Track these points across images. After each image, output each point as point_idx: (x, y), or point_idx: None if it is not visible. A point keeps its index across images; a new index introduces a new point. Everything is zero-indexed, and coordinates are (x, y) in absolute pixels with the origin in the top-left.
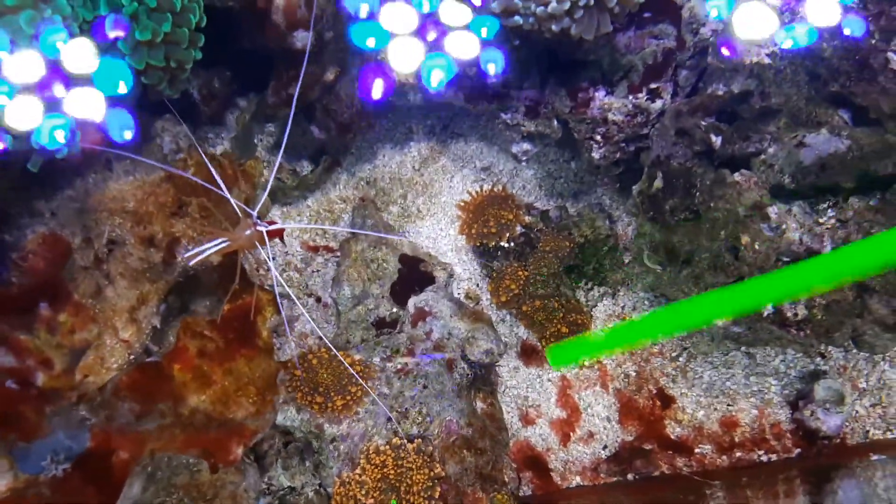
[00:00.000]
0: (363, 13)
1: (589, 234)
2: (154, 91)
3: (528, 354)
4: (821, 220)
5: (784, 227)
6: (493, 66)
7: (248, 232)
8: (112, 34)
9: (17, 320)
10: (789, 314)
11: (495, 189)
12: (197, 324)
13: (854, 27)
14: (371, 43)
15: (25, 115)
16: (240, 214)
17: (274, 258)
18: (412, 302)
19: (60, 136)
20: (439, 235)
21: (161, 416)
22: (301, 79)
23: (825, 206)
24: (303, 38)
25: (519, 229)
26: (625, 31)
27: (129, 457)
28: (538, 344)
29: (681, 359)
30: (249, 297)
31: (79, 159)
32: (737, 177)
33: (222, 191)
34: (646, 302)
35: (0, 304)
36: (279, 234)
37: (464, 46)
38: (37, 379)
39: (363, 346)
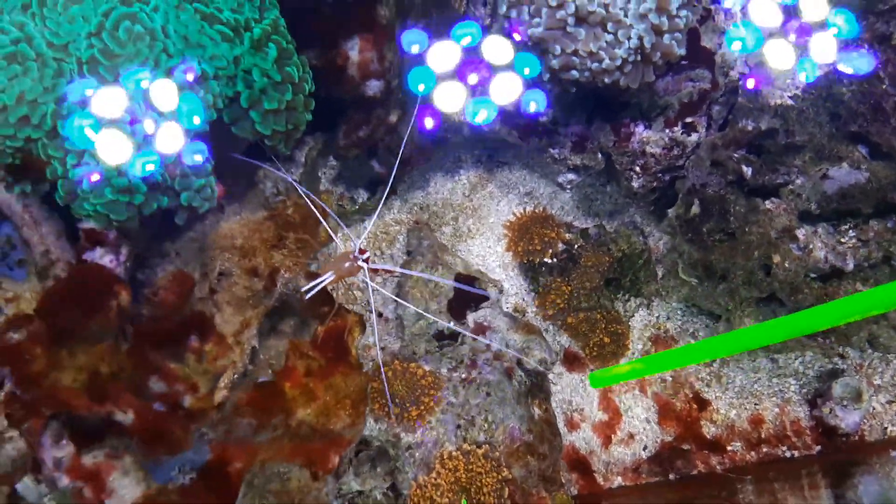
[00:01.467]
0: (414, 51)
1: (626, 249)
2: (272, 149)
3: (571, 361)
4: (843, 240)
5: (811, 246)
6: (535, 105)
7: (347, 265)
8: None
9: (168, 351)
10: None
11: (537, 210)
12: (303, 345)
13: (861, 64)
14: (421, 88)
15: (116, 150)
16: (340, 247)
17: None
18: (472, 317)
19: (151, 168)
20: (488, 253)
21: (273, 430)
22: (371, 123)
23: (847, 227)
24: (374, 87)
25: (561, 246)
26: (664, 76)
27: (242, 466)
28: (581, 352)
29: (714, 364)
30: (340, 319)
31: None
32: (768, 204)
33: (328, 227)
34: (678, 312)
35: (156, 337)
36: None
37: (507, 88)
38: (184, 401)
39: (429, 357)
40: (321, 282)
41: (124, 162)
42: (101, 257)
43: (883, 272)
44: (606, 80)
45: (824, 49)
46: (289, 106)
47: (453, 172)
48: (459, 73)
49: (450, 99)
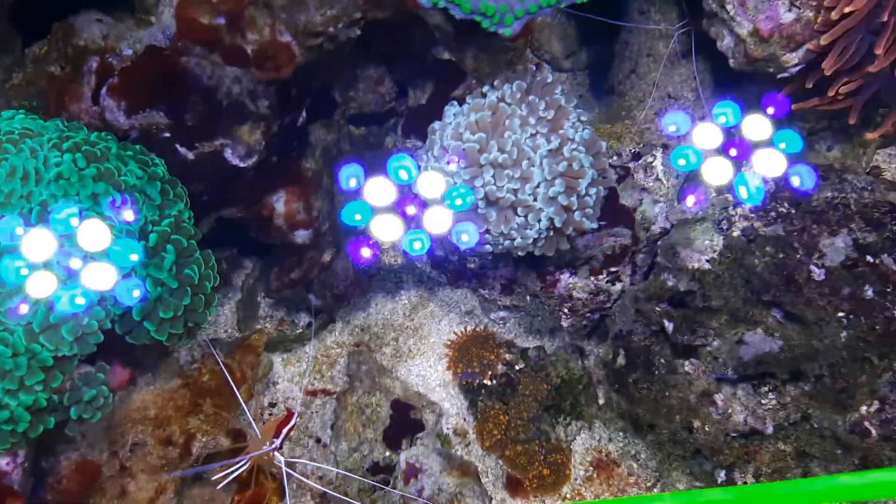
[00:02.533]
0: (352, 186)
1: (564, 375)
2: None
3: (514, 486)
4: (763, 402)
5: (730, 410)
6: (467, 237)
7: (266, 448)
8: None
9: None
10: (739, 482)
11: (477, 329)
12: None
13: (807, 180)
14: (357, 218)
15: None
16: (255, 430)
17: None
18: (403, 457)
19: (80, 301)
20: (429, 373)
21: None
22: (303, 265)
23: (766, 389)
24: (302, 236)
25: (501, 368)
26: (583, 235)
27: None
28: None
29: (655, 489)
30: (258, 487)
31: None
32: (687, 367)
33: (243, 409)
34: (620, 434)
35: None
36: (291, 429)
37: (439, 221)
38: None
39: (360, 503)
40: (234, 470)
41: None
42: None
43: (804, 429)
44: (520, 253)
45: (771, 163)
46: (188, 308)
47: (394, 293)
48: (396, 205)
49: (387, 230)
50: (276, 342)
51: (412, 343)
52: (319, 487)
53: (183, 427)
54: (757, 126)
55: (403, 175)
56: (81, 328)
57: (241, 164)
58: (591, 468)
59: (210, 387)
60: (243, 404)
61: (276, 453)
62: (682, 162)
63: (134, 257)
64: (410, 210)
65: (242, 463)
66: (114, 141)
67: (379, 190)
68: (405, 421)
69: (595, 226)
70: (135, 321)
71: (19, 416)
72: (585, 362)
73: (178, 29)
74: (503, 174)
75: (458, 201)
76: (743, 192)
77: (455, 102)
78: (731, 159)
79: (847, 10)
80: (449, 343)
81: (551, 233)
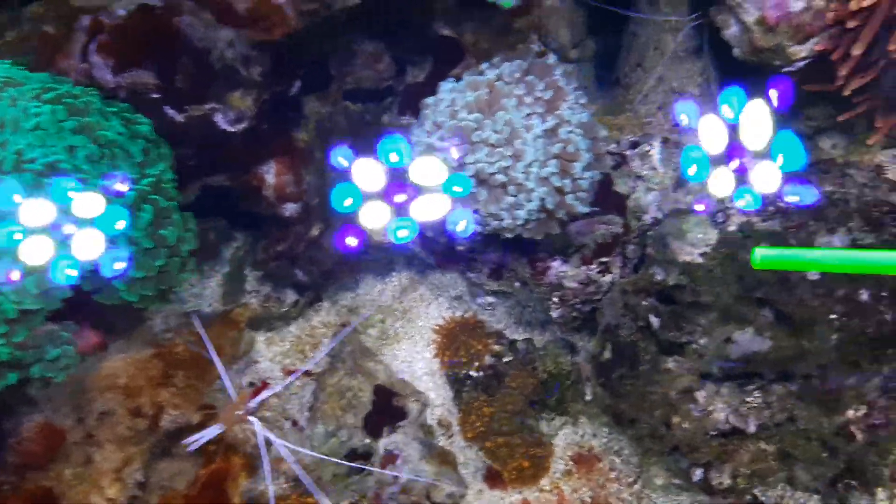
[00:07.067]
0: (343, 165)
1: (552, 369)
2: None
3: (493, 479)
4: (747, 400)
5: (711, 408)
6: (463, 225)
7: (237, 413)
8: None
9: None
10: (714, 482)
11: (466, 315)
12: (175, 498)
13: (807, 196)
14: (348, 203)
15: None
16: (231, 391)
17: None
18: (383, 444)
19: (72, 273)
20: (415, 358)
21: None
22: (290, 239)
23: (752, 387)
24: (291, 209)
25: (488, 359)
26: (575, 221)
27: None
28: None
29: (636, 485)
30: (225, 463)
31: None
32: (671, 364)
33: (221, 374)
34: (605, 430)
35: None
36: (266, 397)
37: (432, 208)
38: None
39: (332, 488)
40: (205, 435)
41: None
42: None
43: (788, 430)
44: (508, 235)
45: (767, 179)
46: (161, 270)
47: (384, 274)
48: (385, 191)
49: (374, 217)
50: (261, 319)
51: (399, 326)
52: (294, 463)
53: (154, 399)
54: (757, 118)
55: (395, 158)
56: (46, 281)
57: (231, 129)
58: (570, 462)
59: (184, 358)
60: (221, 369)
61: (250, 417)
62: (691, 172)
63: (120, 225)
64: (400, 198)
65: (215, 428)
66: (98, 96)
67: (369, 173)
68: (387, 408)
69: (587, 210)
70: (104, 279)
71: None
72: (575, 358)
73: None
74: (495, 152)
75: (458, 188)
76: (741, 204)
77: (452, 79)
78: (734, 172)
79: (866, 3)
80: (437, 328)
81: (542, 215)
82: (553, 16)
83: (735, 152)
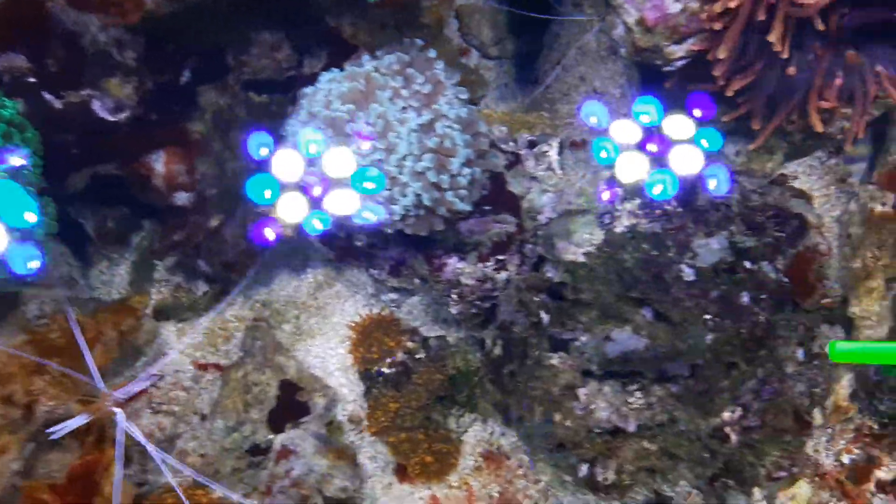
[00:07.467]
0: (263, 155)
1: (461, 367)
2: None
3: (402, 472)
4: (629, 400)
5: (593, 406)
6: (370, 214)
7: (108, 403)
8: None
9: None
10: (600, 478)
11: (383, 313)
12: (38, 489)
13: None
14: (268, 195)
15: None
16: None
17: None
18: (279, 440)
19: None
20: (329, 355)
21: None
22: (186, 228)
23: (634, 387)
24: (183, 198)
25: (400, 356)
26: (467, 220)
27: None
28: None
29: (541, 483)
30: (99, 453)
31: None
32: (555, 360)
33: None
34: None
35: None
36: (143, 390)
37: (345, 202)
38: None
39: (226, 481)
40: (71, 424)
41: None
42: None
43: (672, 430)
44: (389, 231)
45: (688, 161)
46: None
47: (300, 270)
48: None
49: (293, 210)
50: (170, 308)
51: (314, 322)
52: (158, 455)
53: (27, 387)
54: (679, 126)
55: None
56: None
57: (111, 118)
58: (480, 459)
59: (59, 345)
60: (89, 357)
61: (116, 409)
62: (603, 154)
63: (30, 217)
64: (317, 191)
65: (81, 418)
66: None
67: (287, 164)
68: (291, 403)
69: (469, 208)
70: None
71: None
72: (487, 355)
73: None
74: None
75: (370, 185)
76: (657, 191)
77: (337, 70)
78: (649, 155)
79: (732, 4)
80: (353, 325)
81: (421, 211)
82: (475, 14)
83: (652, 141)
